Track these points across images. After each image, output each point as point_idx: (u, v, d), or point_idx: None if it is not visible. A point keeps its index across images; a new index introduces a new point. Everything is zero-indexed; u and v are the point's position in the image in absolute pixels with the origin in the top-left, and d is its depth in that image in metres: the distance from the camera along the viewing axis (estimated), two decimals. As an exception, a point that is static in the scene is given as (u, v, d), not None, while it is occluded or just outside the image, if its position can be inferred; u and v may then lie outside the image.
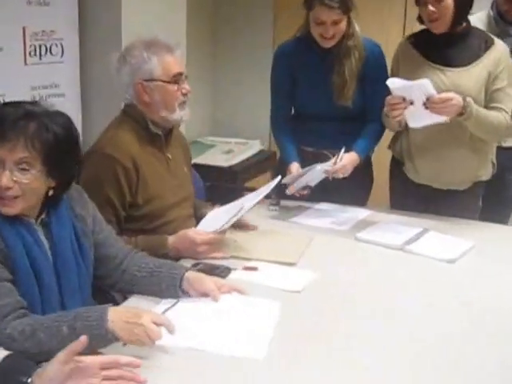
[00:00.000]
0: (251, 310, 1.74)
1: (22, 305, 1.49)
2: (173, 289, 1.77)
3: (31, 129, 1.49)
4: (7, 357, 1.34)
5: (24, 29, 2.64)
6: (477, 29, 2.57)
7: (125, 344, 1.45)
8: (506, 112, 2.47)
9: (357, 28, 2.59)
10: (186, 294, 1.78)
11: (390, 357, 1.55)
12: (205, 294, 1.77)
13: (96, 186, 2.02)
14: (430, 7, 2.38)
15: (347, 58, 2.57)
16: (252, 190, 3.77)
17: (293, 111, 2.81)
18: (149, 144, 2.16)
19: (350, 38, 2.56)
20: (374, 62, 2.62)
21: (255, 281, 1.92)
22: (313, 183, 2.56)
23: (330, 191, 2.63)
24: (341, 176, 2.50)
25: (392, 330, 1.69)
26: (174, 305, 1.73)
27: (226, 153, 4.18)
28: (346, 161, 2.51)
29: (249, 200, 2.26)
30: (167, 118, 2.13)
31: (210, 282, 1.80)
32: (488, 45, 2.48)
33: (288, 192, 2.54)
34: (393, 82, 2.36)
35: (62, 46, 2.83)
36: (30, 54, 2.68)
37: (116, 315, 1.46)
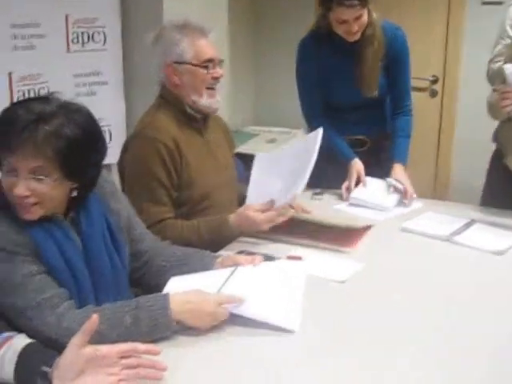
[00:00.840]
0: (280, 277, 1.72)
1: (67, 296, 1.44)
2: None
3: (41, 136, 1.37)
4: (28, 345, 1.30)
5: (67, 16, 2.64)
6: None
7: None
8: None
9: (374, 15, 2.52)
10: None
11: (437, 350, 1.49)
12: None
13: (144, 169, 2.00)
14: None
15: (367, 47, 2.53)
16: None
17: None
18: (187, 127, 2.13)
19: (368, 28, 2.51)
20: (396, 45, 2.59)
21: (299, 270, 1.85)
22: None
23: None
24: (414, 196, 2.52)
25: (438, 323, 1.63)
26: (227, 280, 1.63)
27: (269, 142, 4.15)
28: (403, 179, 2.52)
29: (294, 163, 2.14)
30: (197, 102, 2.10)
31: (241, 258, 1.75)
32: None
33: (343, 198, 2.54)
34: (508, 68, 2.23)
35: (104, 34, 2.82)
36: (72, 41, 2.69)
37: (180, 303, 1.45)
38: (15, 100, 2.45)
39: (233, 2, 3.42)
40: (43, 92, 2.49)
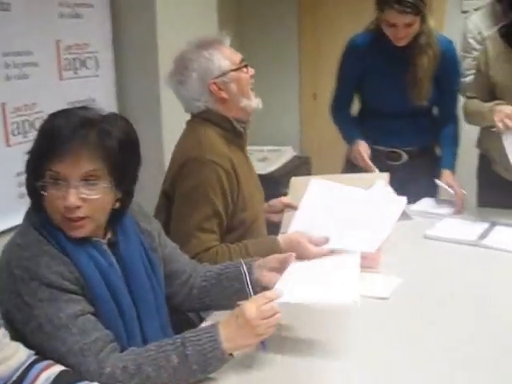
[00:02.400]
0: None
1: (111, 338, 1.34)
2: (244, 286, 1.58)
3: (92, 137, 1.31)
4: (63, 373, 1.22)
5: (57, 42, 2.54)
6: None
7: None
8: None
9: (431, 24, 2.50)
10: (261, 283, 1.61)
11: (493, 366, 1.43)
12: (279, 268, 1.60)
13: (202, 196, 1.88)
14: None
15: (421, 56, 2.51)
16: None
17: (361, 107, 2.78)
18: (233, 144, 2.02)
19: (422, 36, 2.49)
20: (449, 58, 2.58)
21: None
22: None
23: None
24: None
25: (491, 336, 1.57)
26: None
27: (261, 161, 4.10)
28: (453, 183, 2.47)
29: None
30: (247, 107, 2.01)
31: (273, 256, 1.65)
32: None
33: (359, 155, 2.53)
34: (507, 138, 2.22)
35: (96, 59, 2.73)
36: (64, 68, 2.59)
37: (229, 332, 1.33)
38: (10, 133, 2.35)
39: (221, 24, 3.36)
40: (39, 122, 2.38)
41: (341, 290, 1.48)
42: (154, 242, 1.58)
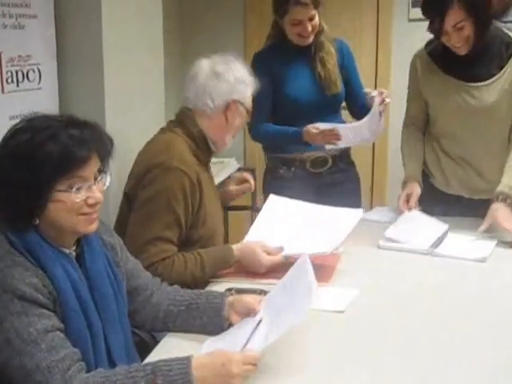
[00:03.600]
0: None
1: (79, 356, 1.33)
2: (217, 319, 1.62)
3: (97, 133, 1.45)
4: None
5: (0, 54, 2.45)
6: (495, 29, 2.36)
7: None
8: None
9: (325, 27, 2.75)
10: (229, 321, 1.63)
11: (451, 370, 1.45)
12: (246, 314, 1.61)
13: (166, 203, 1.88)
14: (453, 41, 2.25)
15: (324, 50, 2.72)
16: (238, 208, 3.65)
17: (277, 114, 2.81)
18: (200, 161, 2.05)
19: (321, 33, 2.72)
20: (346, 53, 2.82)
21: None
22: (348, 142, 2.60)
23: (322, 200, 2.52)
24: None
25: (448, 341, 1.59)
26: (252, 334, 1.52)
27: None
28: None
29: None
30: (225, 144, 2.09)
31: (248, 297, 1.66)
32: (510, 51, 2.32)
33: (315, 128, 2.55)
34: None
35: (39, 72, 2.64)
36: (7, 80, 2.49)
37: (203, 369, 1.31)
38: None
39: (166, 34, 3.32)
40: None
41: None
42: (116, 256, 1.58)
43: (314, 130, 2.54)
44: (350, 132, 2.55)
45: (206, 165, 2.11)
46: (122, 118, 2.88)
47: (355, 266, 2.08)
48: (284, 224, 2.07)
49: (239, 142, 4.65)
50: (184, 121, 2.06)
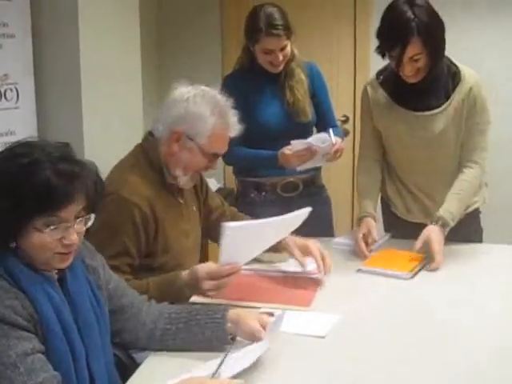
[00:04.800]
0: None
1: (58, 379, 1.31)
2: (221, 333, 1.60)
3: (85, 173, 1.41)
4: None
5: (-25, 73, 2.43)
6: (444, 59, 2.37)
7: None
8: (479, 164, 2.38)
9: (296, 52, 2.71)
10: (233, 335, 1.62)
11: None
12: (252, 335, 1.60)
13: (112, 233, 1.85)
14: (406, 71, 2.26)
15: (295, 77, 2.69)
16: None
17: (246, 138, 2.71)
18: (162, 188, 2.00)
19: (292, 60, 2.68)
20: (315, 76, 2.80)
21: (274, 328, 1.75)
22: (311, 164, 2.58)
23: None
24: (337, 158, 2.56)
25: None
26: (222, 362, 1.50)
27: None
28: (338, 143, 2.54)
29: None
30: (176, 178, 1.99)
31: (254, 320, 1.63)
32: (456, 81, 2.35)
33: (289, 150, 2.51)
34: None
35: (17, 91, 2.62)
36: (-16, 100, 2.47)
37: None
38: None
39: (143, 54, 3.31)
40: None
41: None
42: (99, 279, 1.57)
43: (288, 152, 2.53)
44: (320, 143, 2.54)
45: (171, 192, 2.03)
46: (100, 137, 2.86)
47: (336, 291, 2.06)
48: (249, 243, 2.01)
49: (218, 161, 4.64)
50: (145, 146, 2.02)
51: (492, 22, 3.95)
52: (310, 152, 2.50)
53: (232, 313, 1.65)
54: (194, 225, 2.16)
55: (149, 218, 1.90)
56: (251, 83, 2.69)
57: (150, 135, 2.03)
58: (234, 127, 2.00)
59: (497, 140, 2.63)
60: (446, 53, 2.34)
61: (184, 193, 2.11)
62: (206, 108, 1.93)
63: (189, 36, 4.47)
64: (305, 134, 2.70)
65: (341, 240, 2.54)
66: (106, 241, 1.83)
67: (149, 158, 1.98)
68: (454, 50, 2.39)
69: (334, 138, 2.50)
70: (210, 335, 1.61)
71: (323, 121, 2.79)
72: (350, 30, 4.15)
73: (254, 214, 2.37)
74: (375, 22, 2.37)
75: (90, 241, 1.76)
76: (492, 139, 2.44)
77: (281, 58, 2.60)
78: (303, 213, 2.05)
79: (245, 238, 1.88)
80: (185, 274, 1.91)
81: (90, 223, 1.45)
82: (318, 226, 2.54)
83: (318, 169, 2.81)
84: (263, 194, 2.75)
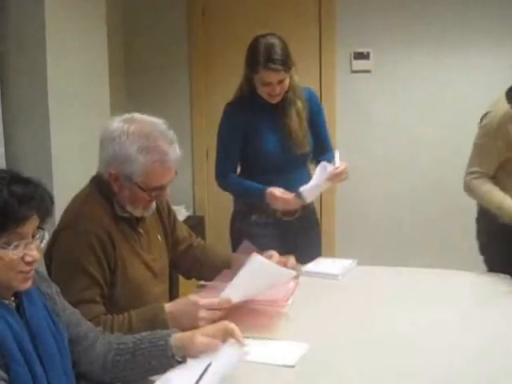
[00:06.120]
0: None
1: None
2: (166, 362, 1.58)
3: (40, 191, 1.42)
4: None
5: None
6: None
7: None
8: None
9: (296, 80, 2.72)
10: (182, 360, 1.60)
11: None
12: (202, 352, 1.58)
13: (75, 266, 1.82)
14: None
15: (291, 108, 2.71)
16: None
17: (243, 166, 2.85)
18: (119, 219, 1.96)
19: (290, 90, 2.70)
20: (315, 104, 2.84)
21: (242, 357, 1.72)
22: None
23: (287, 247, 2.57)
24: (343, 179, 2.63)
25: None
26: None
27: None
28: (342, 165, 2.60)
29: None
30: (130, 211, 1.96)
31: (199, 337, 1.61)
32: None
33: (279, 191, 2.58)
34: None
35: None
36: None
37: None
38: None
39: (111, 77, 3.32)
40: None
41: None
42: (56, 305, 1.56)
43: (278, 193, 2.57)
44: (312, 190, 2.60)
45: (130, 224, 1.99)
46: (69, 166, 2.85)
47: (307, 319, 2.05)
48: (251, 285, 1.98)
49: (188, 189, 4.64)
50: (97, 177, 1.98)
51: None
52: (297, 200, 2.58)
53: (174, 338, 1.63)
54: (159, 255, 2.11)
55: (107, 246, 1.87)
56: (251, 112, 2.72)
57: (98, 179, 1.99)
58: (171, 154, 1.89)
59: None
60: None
61: (145, 222, 2.06)
62: (132, 147, 1.84)
63: (157, 64, 4.50)
64: (302, 164, 2.78)
65: (311, 268, 2.54)
66: (71, 276, 1.80)
67: (102, 189, 1.95)
68: None
69: (338, 162, 2.59)
70: (156, 364, 1.59)
71: (320, 148, 2.85)
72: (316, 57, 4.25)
73: (254, 234, 2.50)
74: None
75: (56, 280, 1.73)
76: None
77: (278, 90, 2.63)
78: (290, 272, 2.08)
79: (257, 277, 1.93)
80: (169, 305, 1.88)
81: (45, 240, 1.46)
82: (309, 249, 2.67)
83: None
84: (264, 216, 2.76)
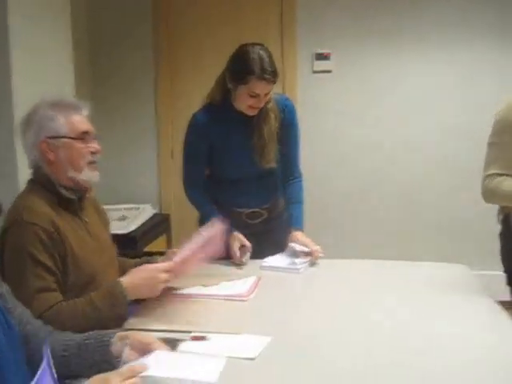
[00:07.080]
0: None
1: None
2: (107, 357, 1.60)
3: None
4: None
5: None
6: None
7: None
8: None
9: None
10: (119, 357, 1.60)
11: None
12: (145, 350, 1.59)
13: (27, 258, 1.87)
14: None
15: (266, 120, 2.64)
16: (150, 254, 3.66)
17: (210, 174, 2.82)
18: (63, 209, 2.03)
19: (268, 102, 2.64)
20: (288, 115, 2.74)
21: (206, 351, 1.81)
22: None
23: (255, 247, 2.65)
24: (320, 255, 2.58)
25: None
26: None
27: (120, 220, 4.04)
28: (306, 241, 2.60)
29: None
30: (75, 178, 2.02)
31: (145, 335, 1.68)
32: None
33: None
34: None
35: None
36: None
37: None
38: None
39: (77, 83, 3.36)
40: None
41: (203, 369, 1.57)
42: (7, 302, 1.56)
43: (232, 250, 2.58)
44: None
45: (73, 212, 2.08)
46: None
47: (268, 313, 2.12)
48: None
49: (154, 187, 4.68)
50: (35, 177, 2.07)
51: None
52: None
53: (120, 334, 1.66)
54: (106, 243, 2.19)
55: (54, 236, 1.92)
56: (221, 124, 2.66)
57: (32, 168, 2.07)
58: (81, 106, 2.07)
59: None
60: None
61: (88, 211, 2.15)
62: (47, 111, 2.00)
63: (123, 76, 4.55)
64: (270, 174, 2.75)
65: (270, 262, 2.60)
66: (24, 268, 1.84)
67: (41, 183, 2.02)
68: None
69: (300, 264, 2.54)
70: (99, 359, 1.61)
71: (286, 164, 2.80)
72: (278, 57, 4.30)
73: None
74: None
75: (9, 277, 1.80)
76: None
77: (263, 102, 2.57)
78: (253, 279, 2.28)
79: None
80: (126, 277, 2.00)
81: None
82: (278, 247, 2.67)
83: (279, 197, 2.84)
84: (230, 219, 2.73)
